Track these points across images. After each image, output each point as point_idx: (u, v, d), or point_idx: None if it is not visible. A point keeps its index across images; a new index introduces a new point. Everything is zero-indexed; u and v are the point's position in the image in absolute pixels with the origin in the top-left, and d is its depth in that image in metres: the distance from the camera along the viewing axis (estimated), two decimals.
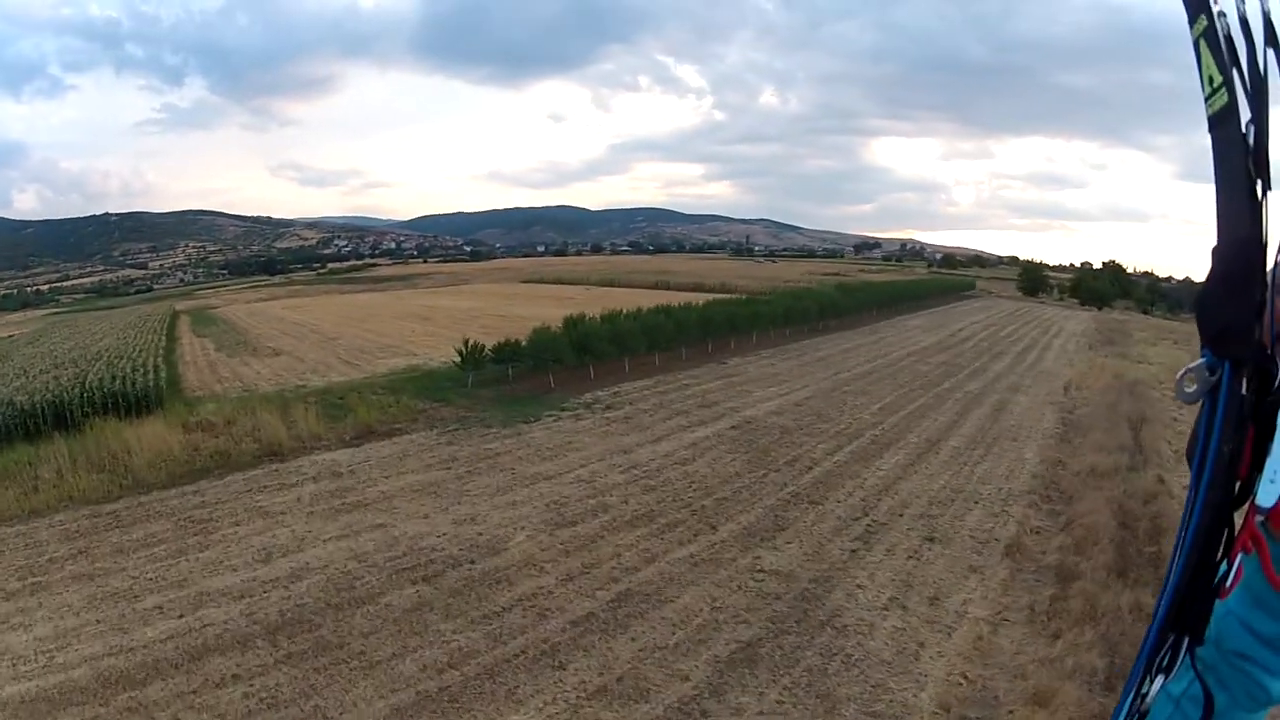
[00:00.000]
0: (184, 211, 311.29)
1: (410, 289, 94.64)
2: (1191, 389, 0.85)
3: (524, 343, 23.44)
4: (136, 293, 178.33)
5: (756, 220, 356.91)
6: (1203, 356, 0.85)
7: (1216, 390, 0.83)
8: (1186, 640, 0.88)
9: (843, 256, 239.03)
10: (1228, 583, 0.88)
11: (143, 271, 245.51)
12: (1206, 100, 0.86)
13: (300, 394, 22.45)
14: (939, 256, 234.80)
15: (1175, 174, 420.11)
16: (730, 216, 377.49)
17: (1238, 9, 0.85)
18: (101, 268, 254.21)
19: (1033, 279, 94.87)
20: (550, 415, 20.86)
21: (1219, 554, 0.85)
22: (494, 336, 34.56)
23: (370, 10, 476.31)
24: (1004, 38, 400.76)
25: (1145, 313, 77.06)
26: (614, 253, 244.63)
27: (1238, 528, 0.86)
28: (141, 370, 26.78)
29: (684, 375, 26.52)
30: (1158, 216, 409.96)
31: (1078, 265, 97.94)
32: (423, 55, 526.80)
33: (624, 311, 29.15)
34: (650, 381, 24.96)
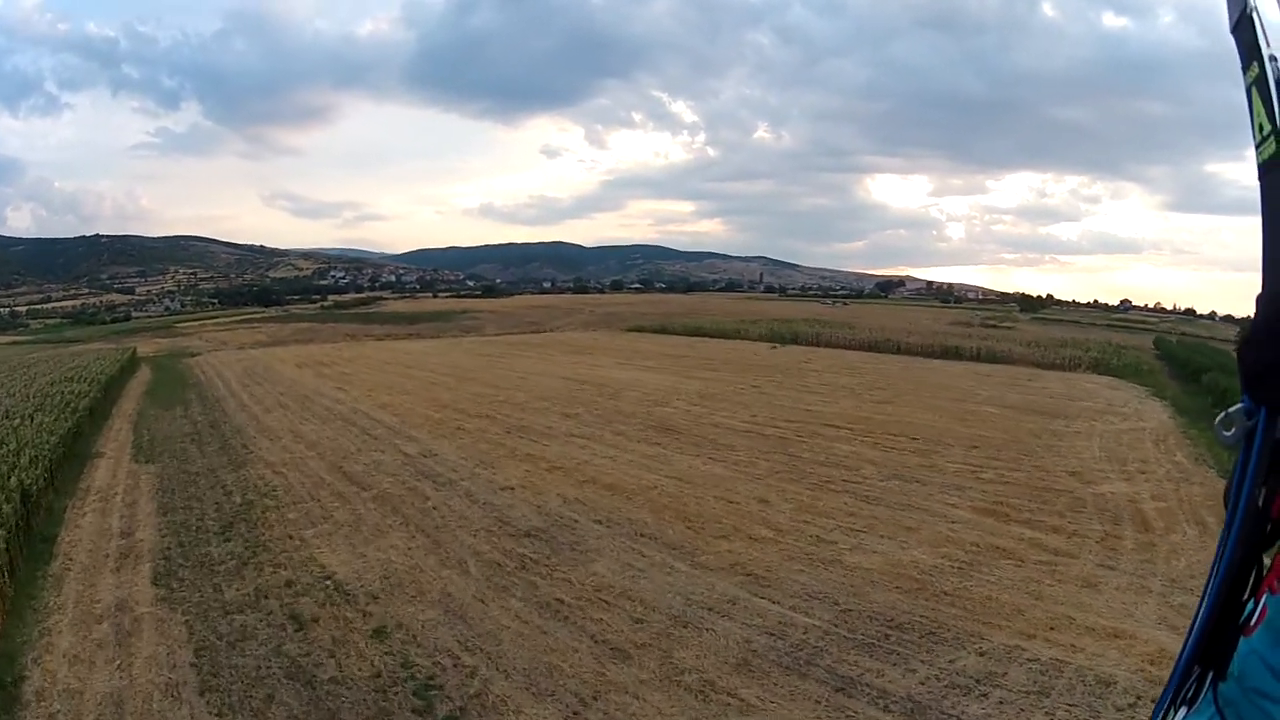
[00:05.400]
0: (176, 237, 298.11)
1: (479, 338, 65.72)
2: (1229, 432, 0.86)
3: None
4: (113, 320, 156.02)
5: (754, 258, 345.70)
6: (1242, 401, 0.86)
7: (1252, 435, 0.84)
8: (1211, 675, 0.89)
9: (885, 297, 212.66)
10: (1252, 621, 0.87)
11: (128, 297, 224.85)
12: (1257, 148, 0.86)
13: None
14: (950, 294, 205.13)
15: (1166, 204, 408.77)
16: (727, 254, 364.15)
17: None
18: (86, 290, 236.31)
19: None
20: None
21: (1246, 593, 0.87)
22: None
23: (366, 39, 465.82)
24: (1000, 73, 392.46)
25: None
26: (630, 291, 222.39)
27: (1266, 569, 0.87)
28: None
29: None
30: (1149, 248, 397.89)
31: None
32: (417, 87, 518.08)
33: None
34: None
